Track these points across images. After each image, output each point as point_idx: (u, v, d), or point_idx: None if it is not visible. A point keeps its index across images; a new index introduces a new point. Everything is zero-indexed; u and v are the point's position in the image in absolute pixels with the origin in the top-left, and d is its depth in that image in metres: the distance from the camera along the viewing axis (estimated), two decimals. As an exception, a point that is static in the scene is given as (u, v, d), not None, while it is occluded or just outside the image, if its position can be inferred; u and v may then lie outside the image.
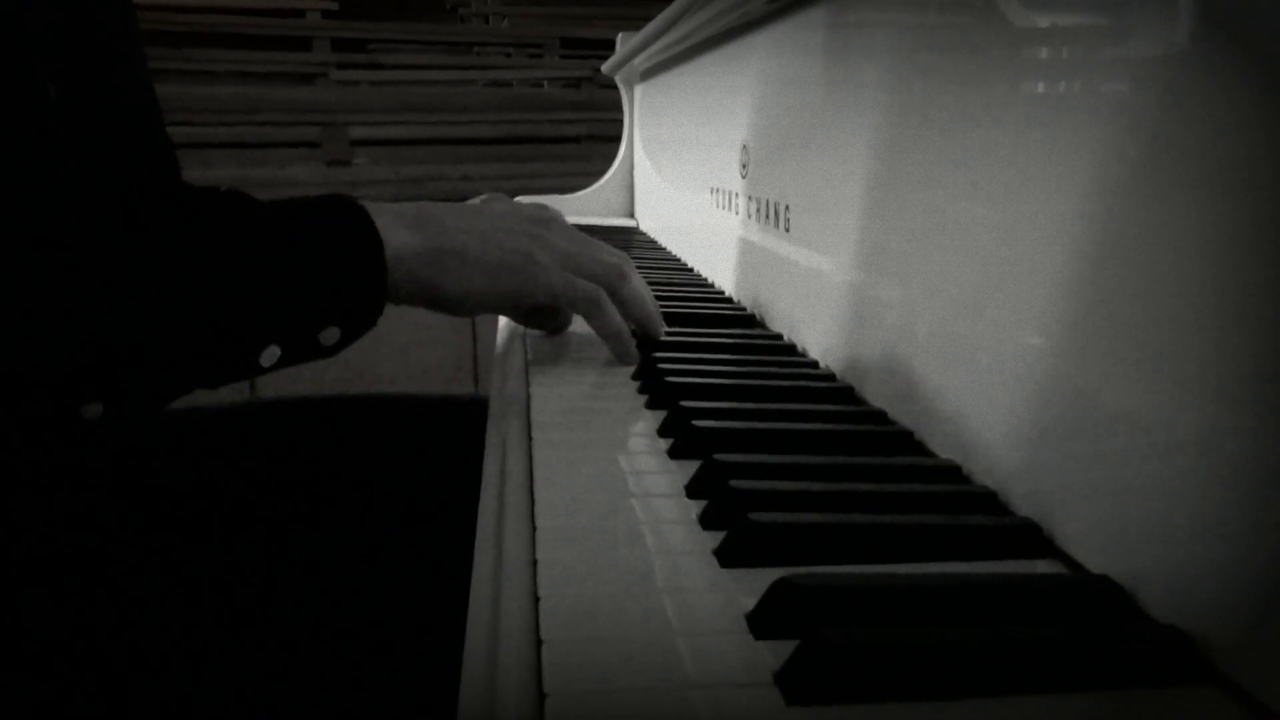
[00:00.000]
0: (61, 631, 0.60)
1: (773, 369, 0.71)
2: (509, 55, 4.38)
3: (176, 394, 0.54)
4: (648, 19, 1.30)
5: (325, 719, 0.60)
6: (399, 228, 0.58)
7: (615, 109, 1.88)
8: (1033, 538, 0.43)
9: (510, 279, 0.62)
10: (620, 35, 1.69)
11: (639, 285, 0.70)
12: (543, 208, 0.68)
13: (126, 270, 0.50)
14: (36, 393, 0.49)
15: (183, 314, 0.51)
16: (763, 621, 0.34)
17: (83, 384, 0.49)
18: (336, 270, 0.55)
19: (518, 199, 1.76)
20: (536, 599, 0.36)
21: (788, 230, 0.83)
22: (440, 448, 0.81)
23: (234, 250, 0.53)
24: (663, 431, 0.56)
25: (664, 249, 1.40)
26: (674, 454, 0.52)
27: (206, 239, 0.53)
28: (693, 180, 1.26)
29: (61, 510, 0.66)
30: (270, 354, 0.53)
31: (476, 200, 0.68)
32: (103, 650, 0.60)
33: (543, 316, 0.77)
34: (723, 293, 1.03)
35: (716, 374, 0.66)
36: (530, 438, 0.54)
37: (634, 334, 0.72)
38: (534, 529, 0.42)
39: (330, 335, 0.55)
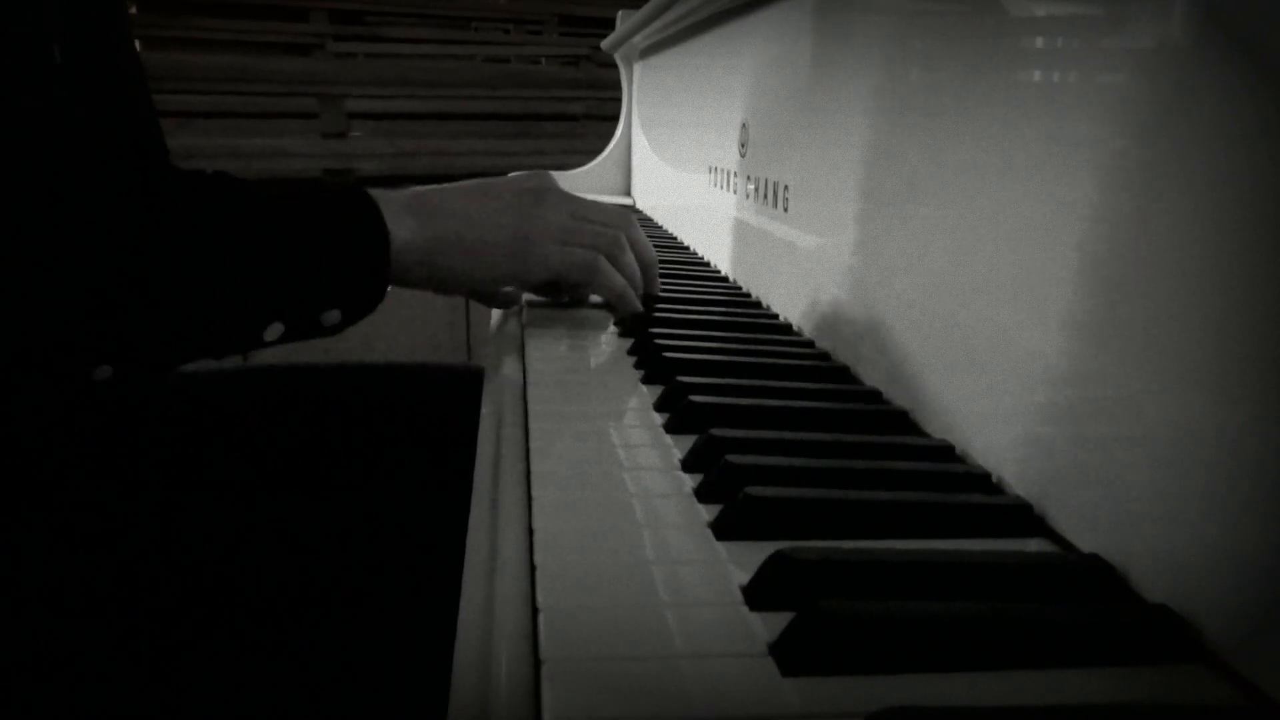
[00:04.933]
0: (48, 589, 0.61)
1: (768, 347, 0.71)
2: (507, 31, 4.36)
3: (182, 360, 0.56)
4: (648, -4, 1.29)
5: (319, 687, 0.60)
6: (404, 217, 0.60)
7: (613, 88, 1.87)
8: (1025, 517, 0.43)
9: (508, 262, 0.64)
10: (620, 12, 1.69)
11: (633, 255, 0.71)
12: (539, 177, 0.69)
13: (143, 241, 0.52)
14: (50, 351, 0.50)
15: (194, 287, 0.53)
16: (759, 593, 0.34)
17: (93, 347, 0.51)
18: (343, 257, 0.57)
19: (512, 176, 1.76)
20: (533, 567, 0.36)
21: (786, 210, 0.83)
22: (435, 417, 0.81)
23: (249, 231, 0.55)
24: (659, 406, 0.56)
25: (660, 227, 1.40)
26: (670, 428, 0.52)
27: (224, 217, 0.55)
28: (691, 159, 1.25)
29: (51, 473, 0.66)
30: (274, 330, 0.56)
31: (512, 176, 0.70)
32: (92, 605, 0.60)
33: (550, 289, 0.78)
34: (719, 271, 1.03)
35: (713, 351, 0.66)
36: (526, 410, 0.54)
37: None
38: (530, 499, 0.42)
39: (331, 317, 0.58)
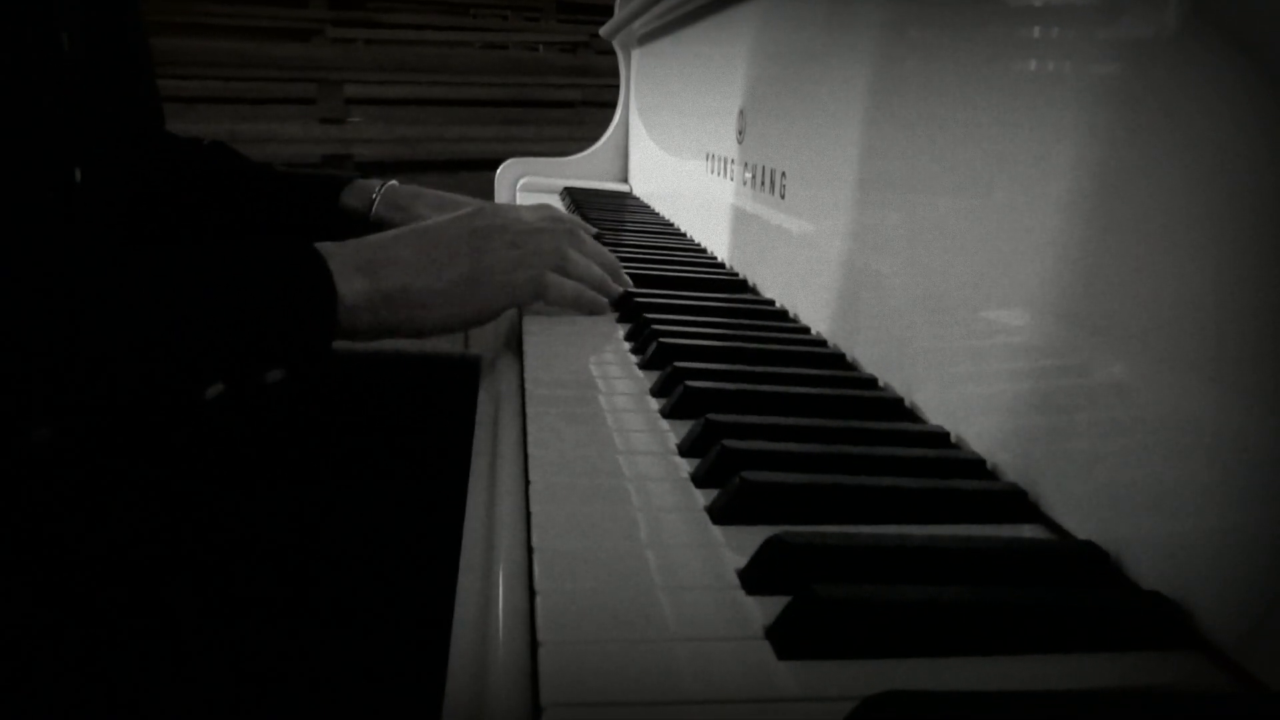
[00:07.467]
0: (47, 584, 0.61)
1: (765, 334, 0.71)
2: (505, 18, 4.35)
3: (124, 419, 0.55)
4: (648, -18, 1.29)
5: (315, 672, 0.60)
6: (353, 276, 0.60)
7: (610, 75, 1.87)
8: (1019, 503, 0.43)
9: (456, 306, 0.64)
10: (619, -1, 1.69)
11: (583, 261, 0.72)
12: (483, 215, 0.69)
13: (83, 305, 0.52)
14: None
15: (138, 349, 0.53)
16: (755, 578, 0.35)
17: (31, 408, 0.51)
18: (292, 321, 0.58)
19: (507, 162, 1.76)
20: (530, 551, 0.36)
21: (783, 197, 0.83)
22: (432, 405, 0.81)
23: (197, 296, 0.55)
24: (656, 391, 0.56)
25: (657, 214, 1.40)
26: (667, 414, 0.52)
27: (170, 281, 0.55)
28: (688, 146, 1.25)
29: (48, 470, 0.66)
30: (216, 389, 0.56)
31: (460, 214, 0.69)
32: (87, 600, 0.60)
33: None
34: (716, 258, 1.03)
35: (709, 337, 0.66)
36: (523, 397, 0.54)
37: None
38: (527, 484, 0.42)
39: (275, 375, 0.58)
